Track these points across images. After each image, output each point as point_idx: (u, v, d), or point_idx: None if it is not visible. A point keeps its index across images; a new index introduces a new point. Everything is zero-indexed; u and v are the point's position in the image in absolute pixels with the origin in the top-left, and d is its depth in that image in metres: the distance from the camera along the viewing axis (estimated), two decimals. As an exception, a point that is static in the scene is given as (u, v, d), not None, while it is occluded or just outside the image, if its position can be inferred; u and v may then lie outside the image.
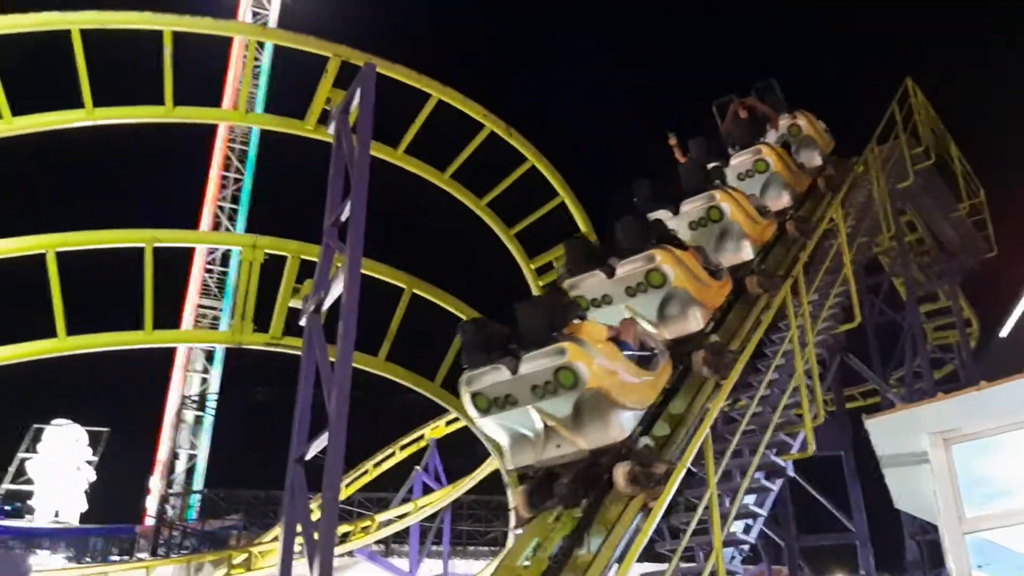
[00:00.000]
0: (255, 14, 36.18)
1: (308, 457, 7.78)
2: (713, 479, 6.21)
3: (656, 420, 7.03)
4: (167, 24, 9.07)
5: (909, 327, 13.24)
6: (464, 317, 11.05)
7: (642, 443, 6.59)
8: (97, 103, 9.33)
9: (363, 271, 10.01)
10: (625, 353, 6.84)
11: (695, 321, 7.72)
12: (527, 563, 6.17)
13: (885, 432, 7.47)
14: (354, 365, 9.97)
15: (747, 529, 7.39)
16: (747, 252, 9.05)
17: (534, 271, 12.30)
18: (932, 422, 7.21)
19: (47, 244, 8.73)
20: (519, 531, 6.74)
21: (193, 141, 34.04)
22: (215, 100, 32.74)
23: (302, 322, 8.70)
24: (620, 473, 6.18)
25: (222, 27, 9.29)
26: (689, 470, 6.46)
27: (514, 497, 7.07)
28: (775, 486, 7.61)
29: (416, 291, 10.50)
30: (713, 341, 7.70)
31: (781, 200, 10.32)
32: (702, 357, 7.40)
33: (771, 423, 7.37)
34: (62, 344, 8.84)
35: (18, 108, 8.89)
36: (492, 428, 6.88)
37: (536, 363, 6.40)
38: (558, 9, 44.72)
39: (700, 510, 6.13)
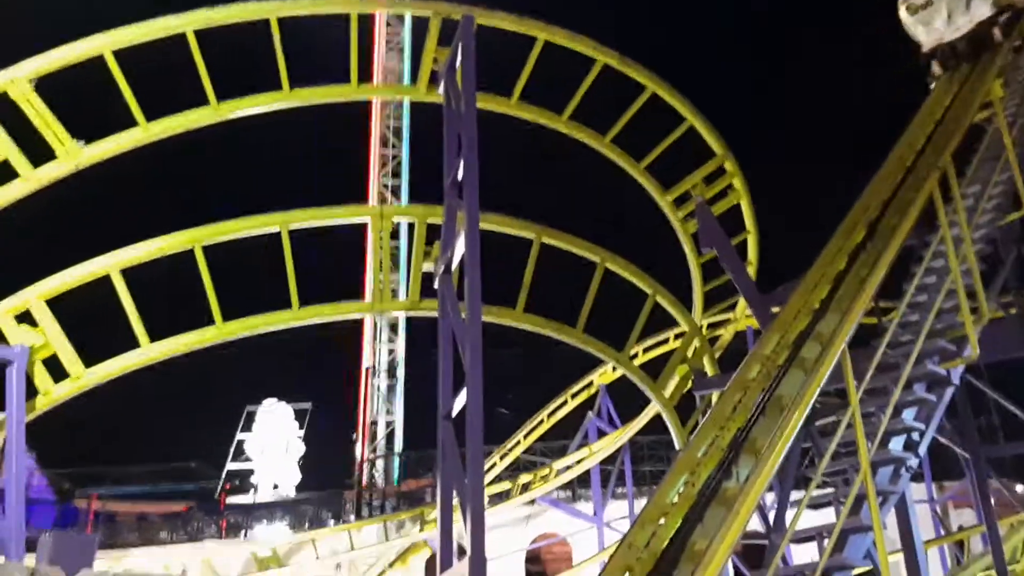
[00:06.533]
0: None
1: (455, 413, 8.00)
2: (855, 397, 5.90)
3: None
4: (270, 12, 9.34)
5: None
6: (598, 260, 10.87)
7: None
8: (222, 98, 9.78)
9: (490, 226, 10.13)
10: None
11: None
12: None
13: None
14: (494, 320, 10.18)
15: (909, 445, 6.86)
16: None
17: (671, 202, 11.88)
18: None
19: (194, 239, 9.31)
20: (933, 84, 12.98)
21: (350, 127, 35.22)
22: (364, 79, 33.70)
23: (436, 284, 8.90)
24: (997, 29, 12.46)
25: (321, 5, 9.46)
26: None
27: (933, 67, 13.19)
28: (937, 397, 7.03)
29: (546, 239, 10.41)
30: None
31: None
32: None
33: (924, 329, 6.83)
34: (222, 330, 9.43)
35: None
36: (912, 26, 13.44)
37: None
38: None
39: (842, 429, 5.79)
